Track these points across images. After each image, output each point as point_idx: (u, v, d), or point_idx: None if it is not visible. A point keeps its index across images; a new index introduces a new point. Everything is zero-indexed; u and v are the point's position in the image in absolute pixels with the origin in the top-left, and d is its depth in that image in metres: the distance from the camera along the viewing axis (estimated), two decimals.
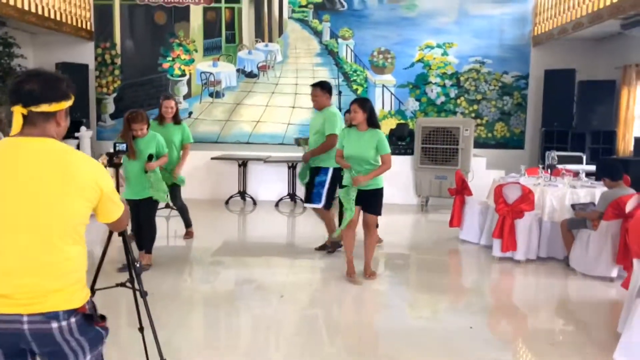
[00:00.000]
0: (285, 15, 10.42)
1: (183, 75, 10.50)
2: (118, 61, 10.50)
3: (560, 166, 6.45)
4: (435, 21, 10.24)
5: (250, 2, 10.39)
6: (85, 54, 10.40)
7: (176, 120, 5.90)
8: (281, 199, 8.40)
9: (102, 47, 10.47)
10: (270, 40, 10.48)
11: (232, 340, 3.67)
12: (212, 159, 8.50)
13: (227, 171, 8.84)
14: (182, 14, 10.38)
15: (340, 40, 10.40)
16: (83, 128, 9.60)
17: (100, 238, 5.00)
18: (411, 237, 6.56)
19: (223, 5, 10.37)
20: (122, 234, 2.59)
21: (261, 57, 10.45)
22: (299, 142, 7.64)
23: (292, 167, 8.37)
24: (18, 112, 1.70)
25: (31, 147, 1.70)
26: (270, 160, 8.33)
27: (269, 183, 8.78)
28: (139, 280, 2.68)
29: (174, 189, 5.99)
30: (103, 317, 1.80)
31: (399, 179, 8.25)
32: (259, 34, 10.47)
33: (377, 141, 4.59)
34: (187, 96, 10.52)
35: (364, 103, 4.68)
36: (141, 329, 2.81)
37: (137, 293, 2.71)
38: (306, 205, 5.74)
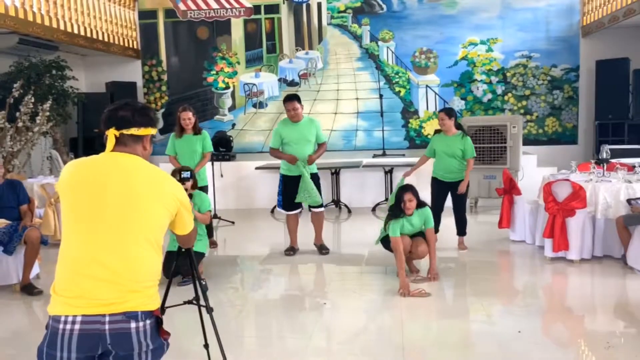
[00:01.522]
0: (325, 21, 10.44)
1: (227, 87, 10.68)
2: (164, 77, 10.80)
3: (614, 160, 6.13)
4: (477, 17, 10.02)
5: (289, 12, 10.47)
6: (133, 72, 10.75)
7: (196, 130, 5.99)
8: (325, 206, 8.36)
9: (149, 65, 10.79)
10: (311, 48, 10.52)
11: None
12: (257, 168, 8.57)
13: (273, 180, 8.89)
14: (224, 27, 10.58)
15: (380, 42, 10.33)
16: None
17: None
18: (466, 240, 6.38)
19: (263, 16, 10.50)
20: (188, 250, 2.65)
21: (302, 65, 10.50)
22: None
23: (335, 173, 8.33)
24: (112, 134, 1.95)
25: (124, 159, 1.95)
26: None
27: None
28: (205, 297, 2.71)
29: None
30: (167, 332, 1.92)
31: None
32: (299, 42, 10.53)
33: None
34: (232, 108, 10.69)
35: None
36: (206, 346, 2.82)
37: (204, 309, 2.73)
38: (319, 210, 5.81)
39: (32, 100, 7.65)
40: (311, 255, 5.85)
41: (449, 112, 5.73)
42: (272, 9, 10.47)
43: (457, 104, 10.20)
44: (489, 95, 10.12)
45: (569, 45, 9.82)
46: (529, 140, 9.98)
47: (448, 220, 5.97)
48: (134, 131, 1.97)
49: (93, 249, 1.83)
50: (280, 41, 10.56)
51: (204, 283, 2.66)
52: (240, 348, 3.63)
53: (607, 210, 5.21)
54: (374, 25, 10.32)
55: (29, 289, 4.72)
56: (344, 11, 10.36)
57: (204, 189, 6.17)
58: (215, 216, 7.68)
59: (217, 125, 10.51)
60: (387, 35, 10.31)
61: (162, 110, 10.80)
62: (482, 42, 10.06)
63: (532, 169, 8.02)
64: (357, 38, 10.40)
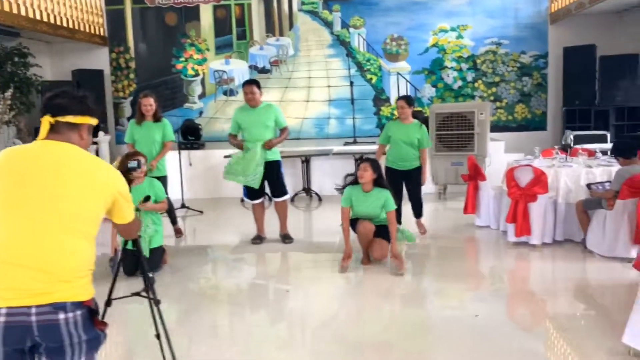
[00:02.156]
0: (295, 7, 10.34)
1: (196, 75, 10.54)
2: (132, 65, 10.60)
3: (578, 146, 6.22)
4: (447, 3, 10.02)
5: None
6: (100, 59, 10.53)
7: (156, 117, 5.88)
8: (296, 194, 8.34)
9: (117, 52, 10.58)
10: (281, 35, 10.42)
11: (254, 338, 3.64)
12: (226, 157, 8.47)
13: None
14: (193, 13, 10.40)
15: (351, 29, 10.27)
16: (101, 133, 9.71)
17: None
18: (429, 226, 6.41)
19: (232, 2, 10.35)
20: (135, 241, 2.60)
21: (273, 52, 10.40)
22: None
23: (306, 161, 8.29)
24: (46, 121, 1.90)
25: (57, 148, 1.90)
26: (284, 155, 8.25)
27: (287, 177, 8.68)
28: (152, 289, 2.66)
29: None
30: (104, 322, 1.89)
31: None
32: (270, 29, 10.42)
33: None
34: (202, 96, 10.55)
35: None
36: (157, 336, 2.78)
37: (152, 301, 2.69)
38: (282, 199, 5.76)
39: None
40: (279, 244, 5.82)
41: (408, 100, 5.74)
42: None
43: (428, 91, 10.23)
44: (460, 82, 10.15)
45: (538, 32, 9.89)
46: (498, 127, 10.06)
47: (406, 210, 5.97)
48: (69, 119, 1.92)
49: (22, 238, 1.79)
50: (250, 27, 10.43)
51: (151, 276, 2.59)
52: (201, 337, 3.60)
53: (568, 195, 5.28)
54: (345, 11, 10.25)
55: None
56: None
57: (163, 179, 6.06)
58: (183, 206, 7.60)
59: (186, 114, 10.37)
60: (358, 21, 10.25)
61: (130, 98, 10.61)
62: (453, 29, 10.07)
63: (500, 156, 8.08)
64: (328, 25, 10.33)
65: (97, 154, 9.58)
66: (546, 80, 9.95)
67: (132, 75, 10.62)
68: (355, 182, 4.92)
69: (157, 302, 2.57)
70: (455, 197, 7.99)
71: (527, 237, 5.26)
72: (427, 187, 8.17)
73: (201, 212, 7.57)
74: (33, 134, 9.66)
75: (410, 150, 5.65)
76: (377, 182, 4.87)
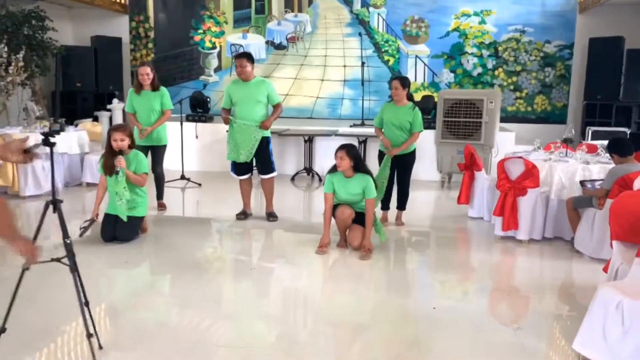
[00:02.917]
0: None
1: (214, 47, 10.51)
2: (151, 34, 10.63)
3: (585, 142, 5.94)
4: None
5: None
6: (120, 27, 10.60)
7: (154, 86, 5.87)
8: (297, 173, 8.27)
9: (136, 21, 10.62)
10: (300, 11, 10.27)
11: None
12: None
13: None
14: None
15: (371, 9, 10.04)
16: (115, 100, 9.79)
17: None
18: (421, 214, 6.27)
19: None
20: (55, 206, 2.58)
21: (290, 28, 10.27)
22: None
23: (309, 140, 8.19)
24: None
25: None
26: (286, 134, 8.19)
27: (290, 156, 8.64)
28: (69, 256, 2.62)
29: (157, 152, 5.99)
30: None
31: (422, 154, 7.82)
32: (289, 4, 10.28)
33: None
34: (218, 69, 10.53)
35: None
36: (86, 304, 2.77)
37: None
38: (268, 176, 5.70)
39: (5, 49, 7.57)
40: (264, 222, 5.77)
41: (403, 80, 5.54)
42: None
43: (447, 76, 9.96)
44: (479, 69, 9.85)
45: (565, 21, 9.48)
46: (517, 118, 9.78)
47: (419, 194, 5.82)
48: None
49: None
50: (269, 2, 10.32)
51: (68, 242, 2.55)
52: (168, 306, 3.60)
53: (561, 191, 5.06)
54: None
55: None
56: None
57: (163, 148, 6.09)
58: (182, 177, 7.63)
59: (200, 86, 10.38)
60: (378, 1, 10.02)
61: None
62: (476, 14, 9.74)
63: (510, 147, 7.80)
64: (348, 3, 10.13)
65: (110, 121, 9.70)
66: (570, 71, 9.56)
67: (150, 45, 10.66)
68: (334, 169, 4.81)
69: (74, 270, 2.54)
70: (459, 187, 7.77)
71: (515, 231, 5.07)
72: (431, 175, 8.08)
73: (199, 184, 7.58)
74: (50, 97, 9.85)
75: (400, 134, 5.48)
76: (357, 168, 4.76)
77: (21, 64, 7.74)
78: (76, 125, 8.00)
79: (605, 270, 3.49)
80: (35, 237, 2.54)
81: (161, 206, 6.23)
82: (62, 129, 2.64)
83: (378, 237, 4.90)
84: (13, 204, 6.22)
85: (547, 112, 9.75)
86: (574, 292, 4.15)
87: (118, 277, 4.26)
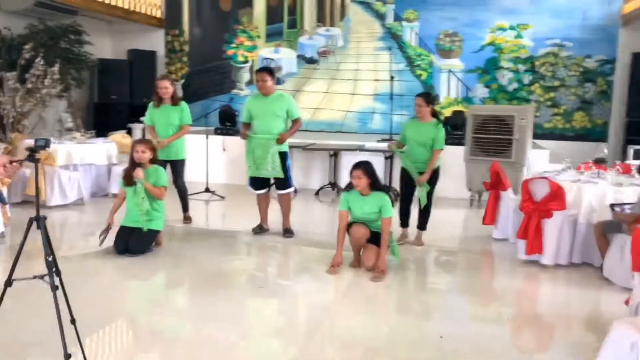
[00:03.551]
0: None
1: (246, 61, 10.57)
2: (186, 48, 10.79)
3: (619, 162, 5.62)
4: (508, 1, 9.41)
5: None
6: (156, 41, 10.80)
7: (174, 100, 5.87)
8: (321, 188, 8.17)
9: (172, 35, 10.80)
10: (332, 25, 10.22)
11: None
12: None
13: None
14: (246, 0, 10.43)
15: (404, 23, 9.90)
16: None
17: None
18: (445, 234, 6.03)
19: None
20: (38, 223, 2.56)
21: (322, 42, 10.23)
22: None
23: (334, 155, 8.09)
24: None
25: None
26: (312, 148, 8.11)
27: (315, 170, 8.56)
28: (50, 273, 2.58)
29: (176, 167, 5.98)
30: None
31: (451, 171, 7.61)
32: (321, 19, 10.26)
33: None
34: (249, 83, 10.57)
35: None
36: (72, 321, 2.74)
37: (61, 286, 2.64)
38: (285, 191, 5.60)
39: (42, 62, 7.79)
40: (280, 237, 5.68)
41: (426, 97, 5.38)
42: None
43: (481, 91, 9.69)
44: (515, 84, 9.54)
45: (607, 35, 9.08)
46: (554, 135, 9.41)
47: (446, 212, 5.63)
48: None
49: None
50: (301, 16, 10.31)
51: (49, 259, 2.51)
52: (153, 324, 3.54)
53: (590, 215, 4.76)
54: (399, 4, 9.89)
55: None
56: None
57: (181, 162, 6.09)
58: (207, 190, 7.64)
59: (234, 99, 10.44)
60: (411, 15, 9.87)
61: (182, 81, 10.81)
62: (512, 28, 9.46)
63: (544, 165, 7.49)
64: (380, 17, 10.02)
65: (143, 133, 9.86)
66: (611, 87, 9.13)
67: (185, 59, 10.82)
68: (350, 187, 4.69)
69: (54, 288, 2.49)
70: None
71: (539, 255, 4.80)
72: (461, 193, 7.82)
73: (223, 197, 7.56)
74: (86, 109, 10.11)
75: (423, 152, 5.31)
76: (374, 186, 4.62)
77: (56, 76, 7.94)
78: (107, 137, 8.14)
79: (627, 303, 3.23)
80: (19, 254, 2.51)
81: (187, 219, 6.23)
82: (47, 145, 2.60)
83: (393, 258, 4.72)
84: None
85: (586, 129, 9.34)
86: (602, 323, 3.85)
87: (128, 290, 4.24)
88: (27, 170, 6.44)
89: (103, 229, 4.97)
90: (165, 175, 5.06)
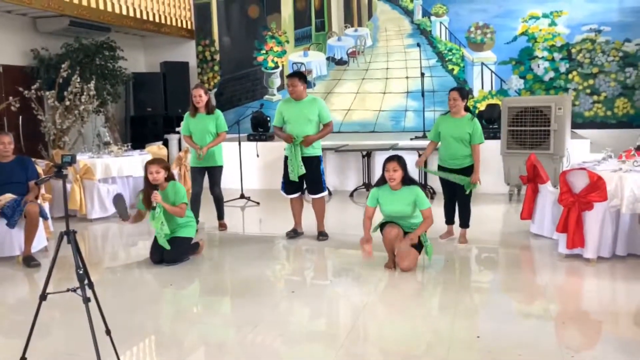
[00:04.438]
0: None
1: (276, 67, 10.63)
2: (217, 57, 10.93)
3: None
4: None
5: None
6: (187, 52, 10.99)
7: (208, 109, 5.93)
8: (356, 189, 8.12)
9: (203, 45, 10.96)
10: (360, 25, 10.17)
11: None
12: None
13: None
14: (274, 5, 10.49)
15: (433, 18, 9.76)
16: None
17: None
18: (484, 230, 5.88)
19: None
20: (68, 237, 2.61)
21: (350, 43, 10.20)
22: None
23: (367, 155, 8.03)
24: None
25: None
26: (345, 150, 8.07)
27: (349, 171, 8.52)
28: (82, 286, 2.64)
29: (214, 173, 6.04)
30: None
31: (488, 165, 7.45)
32: (348, 19, 10.22)
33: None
34: (281, 88, 10.62)
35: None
36: (108, 332, 2.79)
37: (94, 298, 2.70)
38: (318, 196, 5.57)
39: (78, 80, 8.02)
40: (314, 241, 5.66)
41: (462, 92, 5.28)
42: None
43: (516, 82, 9.46)
44: (551, 74, 9.26)
45: None
46: (595, 124, 9.10)
47: (484, 208, 5.51)
48: None
49: None
50: (329, 18, 10.30)
51: (80, 272, 2.56)
52: (184, 333, 3.58)
53: (634, 205, 4.55)
54: None
55: (27, 261, 4.97)
56: None
57: (219, 169, 6.15)
58: (242, 196, 7.70)
59: (266, 105, 10.50)
60: (440, 9, 9.72)
61: (215, 90, 10.95)
62: (545, 16, 9.20)
63: (584, 155, 7.24)
64: (409, 13, 9.91)
65: (179, 143, 10.04)
66: None
67: (216, 68, 10.96)
68: (381, 182, 4.64)
69: (86, 300, 2.54)
70: None
71: (581, 249, 4.64)
72: (499, 188, 7.65)
73: (258, 203, 7.61)
74: (123, 123, 10.35)
75: (460, 147, 5.21)
76: (406, 180, 4.57)
77: (93, 92, 8.17)
78: (144, 149, 8.31)
79: None
80: (52, 268, 2.57)
81: (222, 226, 6.29)
82: (72, 161, 2.65)
83: (426, 258, 4.64)
84: (81, 227, 6.52)
85: (629, 115, 8.99)
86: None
87: (166, 299, 4.30)
88: (69, 185, 6.62)
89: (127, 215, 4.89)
90: (184, 191, 5.02)
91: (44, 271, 4.94)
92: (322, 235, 5.65)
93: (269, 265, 5.04)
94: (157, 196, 4.75)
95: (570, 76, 9.18)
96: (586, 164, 5.22)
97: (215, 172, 6.11)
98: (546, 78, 9.30)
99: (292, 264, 5.17)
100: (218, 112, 6.12)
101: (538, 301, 4.02)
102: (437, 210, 5.59)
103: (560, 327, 3.53)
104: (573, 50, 9.12)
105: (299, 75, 5.53)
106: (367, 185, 8.04)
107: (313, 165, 5.49)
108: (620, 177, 4.61)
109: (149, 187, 4.89)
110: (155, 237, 5.02)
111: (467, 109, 5.35)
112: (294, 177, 5.45)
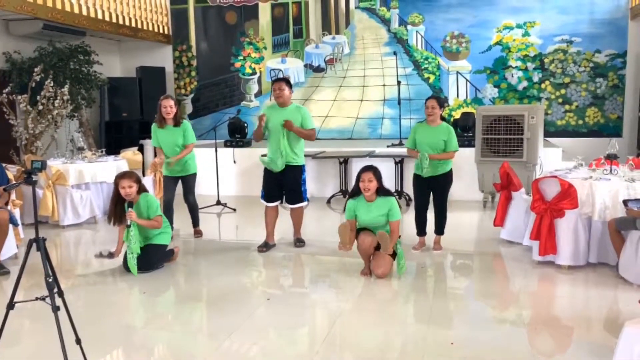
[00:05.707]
0: (352, 5, 10.11)
1: (254, 73, 10.62)
2: (194, 63, 10.87)
3: (632, 157, 5.50)
4: None
5: None
6: (164, 57, 10.91)
7: (176, 121, 5.83)
8: (333, 196, 8.14)
9: (179, 50, 10.90)
10: (337, 33, 10.24)
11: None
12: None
13: None
14: (251, 12, 10.50)
15: (409, 27, 9.88)
16: None
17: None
18: (457, 237, 5.94)
19: (290, 0, 10.31)
20: (38, 244, 2.56)
21: (328, 50, 10.25)
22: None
23: (344, 162, 8.06)
24: None
25: None
26: (322, 156, 8.09)
27: (327, 178, 8.53)
28: (51, 295, 2.59)
29: (188, 182, 5.97)
30: None
31: (462, 173, 7.53)
32: (326, 27, 10.28)
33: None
34: (258, 94, 10.63)
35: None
36: (78, 341, 2.74)
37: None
38: (297, 205, 5.55)
39: (51, 84, 7.88)
40: (290, 247, 5.65)
41: (439, 100, 5.32)
42: None
43: (490, 91, 9.62)
44: (525, 83, 9.45)
45: (616, 29, 8.97)
46: (567, 132, 9.30)
47: (457, 215, 5.56)
48: None
49: None
50: (307, 26, 10.35)
51: (49, 281, 2.51)
52: (158, 341, 3.53)
53: (604, 212, 4.66)
54: (404, 8, 9.88)
55: None
56: None
57: (193, 177, 6.07)
58: (218, 202, 7.65)
59: (244, 111, 10.46)
60: (416, 18, 9.84)
61: (191, 95, 10.89)
62: (519, 26, 9.39)
63: (557, 164, 7.38)
64: (386, 22, 10.01)
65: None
66: (623, 81, 9.01)
67: (193, 73, 10.90)
68: (357, 193, 4.65)
69: (56, 309, 2.49)
70: None
71: (554, 256, 4.71)
72: (473, 195, 7.74)
73: (234, 209, 7.57)
74: (97, 127, 10.20)
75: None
76: (381, 191, 4.59)
77: (67, 97, 8.04)
78: (118, 154, 8.20)
79: None
80: (20, 276, 2.52)
81: (197, 233, 6.23)
82: (43, 167, 2.60)
83: (397, 268, 4.66)
84: (53, 234, 6.40)
85: (600, 124, 9.21)
86: (621, 324, 3.73)
87: (139, 307, 4.24)
88: (40, 191, 6.50)
89: (107, 253, 4.96)
90: (157, 202, 4.95)
91: (13, 279, 4.84)
92: (299, 241, 5.64)
93: (244, 272, 5.02)
94: (131, 214, 4.65)
95: (543, 85, 9.37)
96: (558, 172, 5.31)
97: (188, 180, 6.03)
98: (520, 87, 9.48)
99: (268, 271, 5.14)
100: (186, 123, 5.96)
101: (511, 307, 4.08)
102: (411, 217, 5.64)
103: (533, 333, 3.58)
104: (546, 60, 9.31)
105: (286, 81, 5.45)
106: (344, 192, 8.06)
107: (296, 174, 5.45)
108: (590, 185, 4.71)
109: (117, 201, 4.81)
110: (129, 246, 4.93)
111: (442, 118, 5.40)
112: (274, 165, 5.35)
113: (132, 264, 4.67)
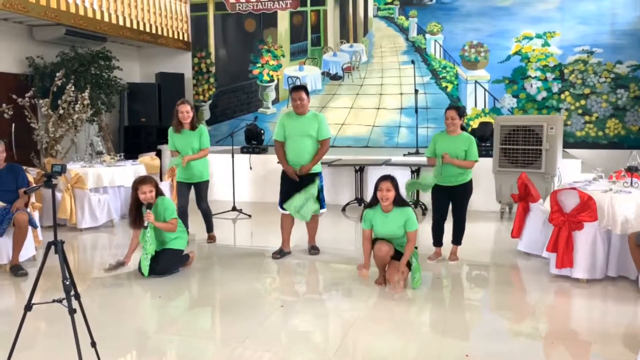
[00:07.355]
0: (371, 13, 10.12)
1: (271, 80, 10.67)
2: (213, 69, 10.96)
3: None
4: (533, 9, 9.29)
5: (335, 4, 10.26)
6: (183, 63, 11.00)
7: (192, 125, 5.88)
8: (348, 204, 8.12)
9: (199, 57, 11.00)
10: (355, 41, 10.25)
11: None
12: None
13: None
14: (270, 20, 10.56)
15: (428, 35, 9.85)
16: None
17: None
18: (474, 248, 5.87)
19: (309, 8, 10.37)
20: (56, 247, 2.59)
21: (346, 59, 10.26)
22: None
23: (360, 170, 8.04)
24: None
25: None
26: (338, 164, 8.08)
27: (342, 186, 8.52)
28: (68, 297, 2.61)
29: (200, 188, 5.99)
30: None
31: (480, 183, 7.46)
32: (344, 35, 10.30)
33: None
34: (275, 101, 10.67)
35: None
36: (93, 344, 2.76)
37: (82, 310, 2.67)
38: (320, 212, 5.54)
39: (72, 89, 8.00)
40: (305, 254, 5.65)
41: (459, 110, 5.28)
42: (318, 0, 10.31)
43: (509, 101, 9.55)
44: (544, 93, 9.36)
45: (638, 40, 8.85)
46: (587, 144, 9.18)
47: (475, 226, 5.51)
48: None
49: None
50: (325, 34, 10.38)
51: (67, 283, 2.53)
52: (172, 346, 3.54)
53: (625, 226, 4.58)
54: (422, 17, 9.87)
55: (15, 270, 4.91)
56: (391, 3, 9.98)
57: (205, 184, 6.10)
58: (234, 209, 7.68)
59: (261, 118, 10.52)
60: (435, 27, 9.82)
61: (210, 102, 10.97)
62: (538, 36, 9.32)
63: (575, 175, 7.29)
64: (404, 31, 10.00)
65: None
66: None
67: (212, 80, 10.98)
68: (374, 202, 4.63)
69: (72, 311, 2.51)
70: None
71: (571, 269, 4.64)
72: (491, 205, 7.67)
73: (249, 216, 7.59)
74: (117, 132, 10.32)
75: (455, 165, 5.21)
76: (397, 200, 4.57)
77: (87, 101, 8.15)
78: (136, 159, 8.28)
79: None
80: (38, 278, 2.55)
81: (211, 238, 6.26)
82: (63, 170, 2.63)
83: (412, 283, 4.61)
84: (70, 237, 6.47)
85: (620, 136, 9.08)
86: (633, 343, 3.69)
87: (154, 311, 4.26)
88: (59, 194, 6.58)
89: (116, 263, 5.00)
90: (173, 205, 5.03)
91: (30, 281, 4.90)
92: (313, 249, 5.63)
93: (259, 278, 5.02)
94: (150, 215, 4.74)
95: (562, 96, 9.28)
96: (577, 183, 5.25)
97: (201, 187, 6.06)
98: (539, 97, 9.39)
99: (282, 278, 5.14)
100: (202, 127, 6.02)
101: (527, 320, 4.02)
102: (427, 227, 5.61)
103: (549, 347, 3.53)
104: (565, 71, 9.22)
105: (305, 89, 5.43)
106: (360, 200, 8.04)
107: (311, 179, 5.43)
108: (610, 197, 4.64)
109: (136, 207, 4.89)
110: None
111: (462, 127, 5.37)
112: (292, 210, 5.35)
113: (145, 264, 4.72)
